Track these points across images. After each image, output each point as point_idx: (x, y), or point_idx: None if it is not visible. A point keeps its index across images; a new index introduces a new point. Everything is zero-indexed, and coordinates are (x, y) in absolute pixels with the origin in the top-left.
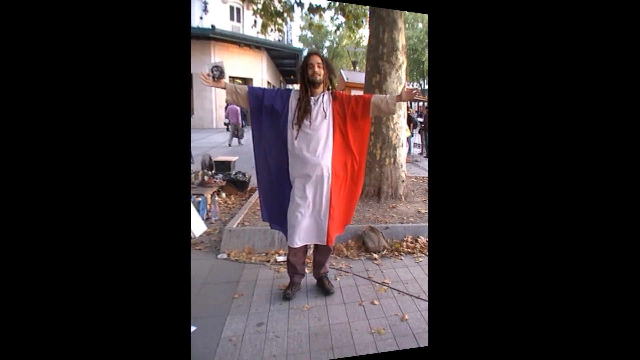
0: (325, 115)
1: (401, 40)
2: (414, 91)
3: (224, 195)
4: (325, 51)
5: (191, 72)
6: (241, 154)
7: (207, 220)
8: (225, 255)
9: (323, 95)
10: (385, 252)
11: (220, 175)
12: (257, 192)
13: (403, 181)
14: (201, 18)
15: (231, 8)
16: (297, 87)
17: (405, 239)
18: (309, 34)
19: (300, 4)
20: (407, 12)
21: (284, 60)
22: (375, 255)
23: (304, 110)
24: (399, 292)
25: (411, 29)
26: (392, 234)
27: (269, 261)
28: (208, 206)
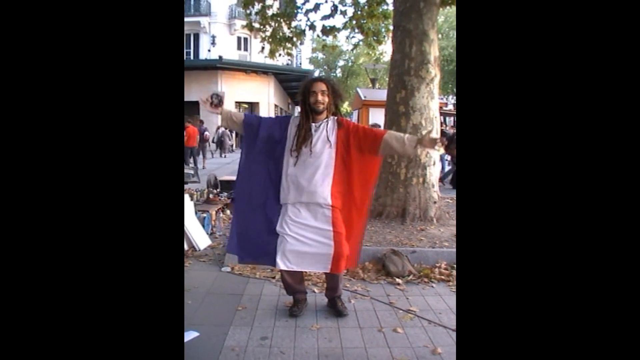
0: (330, 144)
1: (433, 52)
2: (438, 140)
3: (228, 212)
4: (338, 71)
5: (198, 100)
6: None
7: (211, 235)
8: (228, 269)
9: (327, 121)
10: (411, 277)
11: (225, 194)
12: None
13: (435, 202)
14: (209, 50)
15: (238, 38)
16: (297, 111)
17: (437, 265)
18: (320, 55)
19: (312, 27)
20: (440, 22)
21: (292, 82)
22: (398, 280)
23: (304, 137)
24: (429, 322)
25: (446, 38)
26: (421, 259)
27: (274, 277)
28: (213, 222)
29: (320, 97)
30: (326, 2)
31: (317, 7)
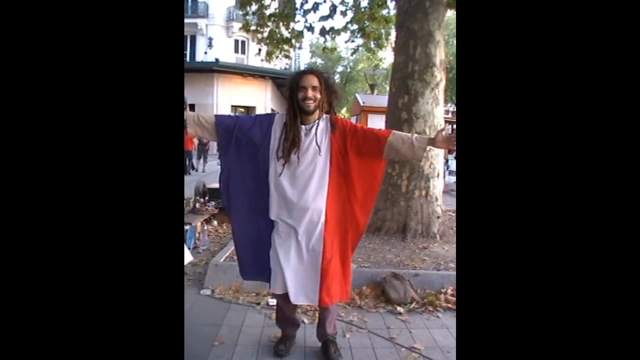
0: (320, 151)
1: (439, 55)
2: (454, 138)
3: (215, 223)
4: (337, 77)
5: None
6: None
7: (194, 249)
8: (209, 292)
9: (317, 123)
10: (414, 305)
11: (213, 203)
12: None
13: (438, 217)
14: (205, 53)
15: (236, 41)
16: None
17: (443, 290)
18: (319, 61)
19: (311, 29)
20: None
21: None
22: (399, 309)
23: (292, 141)
24: None
25: (445, 45)
26: (425, 283)
27: (259, 303)
28: (197, 234)
29: (310, 93)
30: (325, 2)
31: (316, 6)
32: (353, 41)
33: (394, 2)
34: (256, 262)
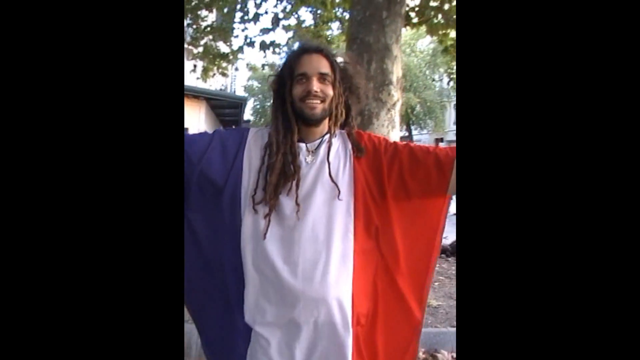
0: (339, 193)
1: (396, 72)
2: None
3: None
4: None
5: None
6: None
7: None
8: None
9: (329, 139)
10: None
11: None
12: None
13: None
14: None
15: None
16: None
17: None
18: (255, 84)
19: (251, 43)
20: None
21: (225, 109)
22: None
23: (280, 172)
24: None
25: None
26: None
27: None
28: None
29: (316, 85)
30: (266, 13)
31: (256, 17)
32: None
33: (337, 23)
34: None
